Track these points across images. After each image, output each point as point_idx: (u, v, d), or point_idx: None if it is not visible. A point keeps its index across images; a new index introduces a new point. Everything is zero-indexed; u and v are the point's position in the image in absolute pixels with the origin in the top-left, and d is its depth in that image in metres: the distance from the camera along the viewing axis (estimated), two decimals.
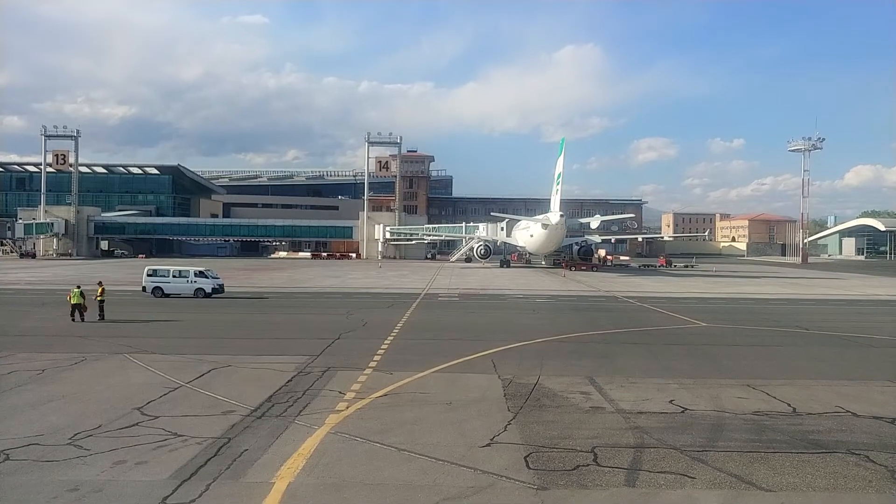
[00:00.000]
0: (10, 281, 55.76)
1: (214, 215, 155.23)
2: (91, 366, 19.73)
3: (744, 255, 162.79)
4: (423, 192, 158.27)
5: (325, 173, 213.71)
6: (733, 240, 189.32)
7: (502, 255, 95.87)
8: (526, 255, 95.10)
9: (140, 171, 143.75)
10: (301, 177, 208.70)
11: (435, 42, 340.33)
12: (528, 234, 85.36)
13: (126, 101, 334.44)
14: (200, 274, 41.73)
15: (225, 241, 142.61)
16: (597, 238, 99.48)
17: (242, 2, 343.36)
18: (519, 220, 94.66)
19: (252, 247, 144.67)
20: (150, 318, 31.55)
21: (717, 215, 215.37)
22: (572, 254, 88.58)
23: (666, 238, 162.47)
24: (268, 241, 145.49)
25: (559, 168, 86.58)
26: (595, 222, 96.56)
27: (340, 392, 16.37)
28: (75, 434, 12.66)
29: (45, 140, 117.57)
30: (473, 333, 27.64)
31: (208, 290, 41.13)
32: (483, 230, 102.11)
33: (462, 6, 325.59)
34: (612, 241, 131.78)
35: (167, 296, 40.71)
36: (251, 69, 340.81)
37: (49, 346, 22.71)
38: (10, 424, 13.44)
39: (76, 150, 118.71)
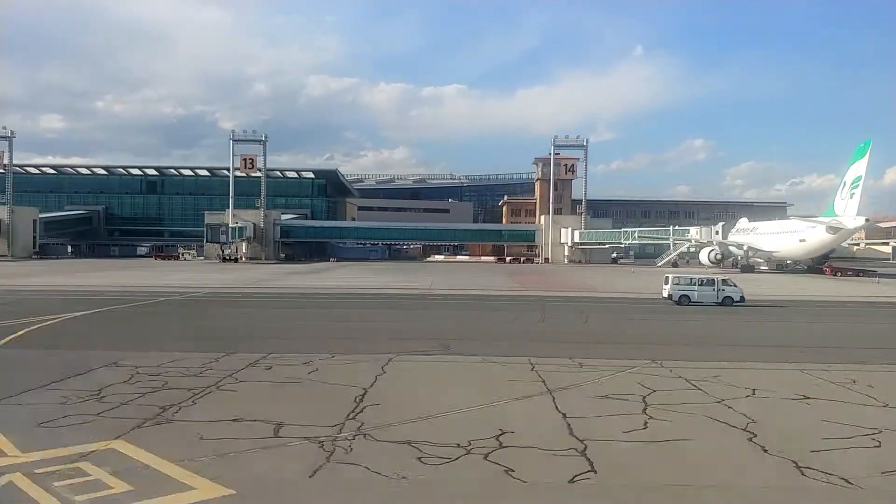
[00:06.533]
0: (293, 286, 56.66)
1: (353, 218, 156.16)
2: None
3: None
4: (567, 195, 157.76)
5: (426, 177, 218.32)
6: None
7: (732, 258, 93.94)
8: (763, 259, 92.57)
9: (295, 175, 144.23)
10: (407, 180, 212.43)
11: (497, 43, 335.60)
12: (796, 238, 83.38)
13: (177, 99, 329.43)
14: (725, 283, 41.33)
15: (374, 244, 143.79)
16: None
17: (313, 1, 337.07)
18: (757, 225, 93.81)
19: (396, 250, 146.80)
20: None
21: None
22: (825, 258, 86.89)
23: None
24: (403, 244, 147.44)
25: (858, 171, 78.79)
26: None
27: None
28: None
29: (232, 144, 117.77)
30: None
31: (736, 298, 40.54)
32: (696, 233, 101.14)
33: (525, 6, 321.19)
34: None
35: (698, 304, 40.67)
36: (313, 70, 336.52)
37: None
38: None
39: (264, 155, 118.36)
